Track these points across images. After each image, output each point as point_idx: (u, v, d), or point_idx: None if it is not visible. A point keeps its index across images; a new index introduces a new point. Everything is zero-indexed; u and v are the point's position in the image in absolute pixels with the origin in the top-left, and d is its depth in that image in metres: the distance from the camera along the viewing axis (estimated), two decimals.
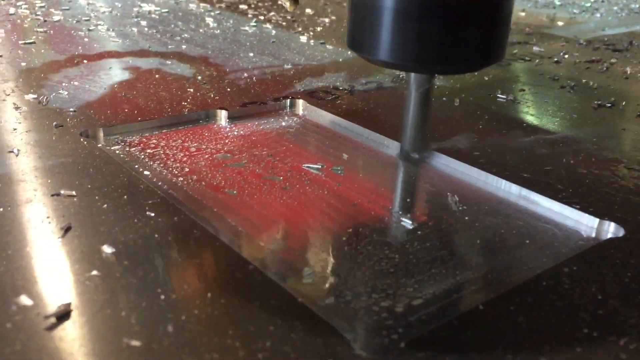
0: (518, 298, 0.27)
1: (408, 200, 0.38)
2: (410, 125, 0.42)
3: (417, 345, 0.24)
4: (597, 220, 0.35)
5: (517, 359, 0.24)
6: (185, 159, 0.41)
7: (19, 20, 0.81)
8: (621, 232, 0.34)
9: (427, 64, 0.37)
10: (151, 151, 0.42)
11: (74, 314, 0.24)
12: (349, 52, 0.73)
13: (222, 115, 0.49)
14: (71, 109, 0.47)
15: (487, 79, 0.64)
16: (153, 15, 0.90)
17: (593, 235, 0.34)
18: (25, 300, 0.25)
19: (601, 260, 0.31)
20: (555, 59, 0.74)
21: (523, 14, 1.11)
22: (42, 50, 0.66)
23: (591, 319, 0.26)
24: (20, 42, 0.69)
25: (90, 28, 0.79)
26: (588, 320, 0.26)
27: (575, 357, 0.24)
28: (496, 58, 0.38)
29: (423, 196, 0.38)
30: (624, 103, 0.57)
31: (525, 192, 0.38)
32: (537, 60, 0.73)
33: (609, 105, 0.56)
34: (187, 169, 0.39)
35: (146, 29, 0.81)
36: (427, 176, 0.41)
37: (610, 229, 0.34)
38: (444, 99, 0.56)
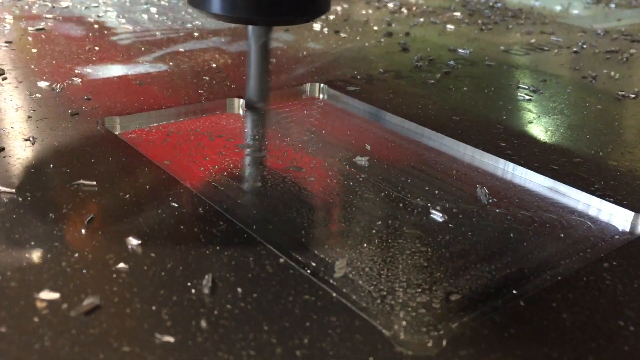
0: (559, 294, 0.26)
1: (436, 191, 0.37)
2: (252, 76, 0.45)
3: (460, 343, 0.23)
4: (633, 213, 0.34)
5: (564, 358, 0.23)
6: (205, 148, 0.40)
7: (27, 6, 0.80)
8: None
9: (256, 16, 0.41)
10: (170, 140, 0.41)
11: (103, 309, 0.23)
12: (366, 43, 0.72)
13: (240, 103, 0.48)
14: (85, 97, 0.46)
15: (505, 68, 0.63)
16: (163, 2, 0.89)
17: (628, 229, 0.33)
18: (51, 294, 0.24)
19: None
20: (574, 49, 0.73)
21: (537, 3, 1.10)
22: (52, 37, 0.65)
23: (637, 316, 0.25)
24: (29, 28, 0.68)
25: (100, 15, 0.78)
26: (634, 318, 0.25)
27: (624, 356, 0.23)
28: (326, 9, 0.43)
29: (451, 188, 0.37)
30: None
31: (556, 184, 0.37)
32: (556, 50, 0.72)
33: (633, 96, 0.55)
34: (207, 159, 0.38)
35: (156, 15, 0.80)
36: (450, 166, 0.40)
37: None
38: (465, 88, 0.55)
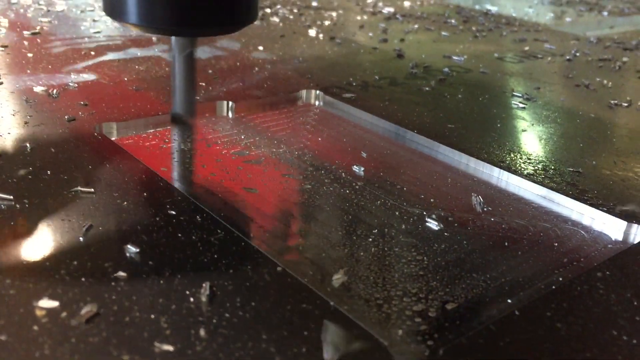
0: (553, 304, 0.27)
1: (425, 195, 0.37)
2: (177, 89, 0.43)
3: (456, 352, 0.23)
4: (625, 223, 0.34)
5: None
6: (201, 155, 0.40)
7: (22, 10, 0.80)
8: None
9: (176, 26, 0.38)
10: (166, 146, 0.41)
11: (102, 317, 0.23)
12: (361, 49, 0.73)
13: (233, 107, 0.48)
14: (82, 102, 0.46)
15: (499, 75, 0.64)
16: None
17: (621, 238, 0.34)
18: (50, 302, 0.24)
19: (634, 265, 0.30)
20: (567, 57, 0.74)
21: (531, 10, 1.10)
22: (48, 41, 0.65)
23: (630, 326, 0.26)
24: (24, 32, 0.68)
25: (95, 19, 0.78)
26: (627, 328, 0.25)
27: None
28: (252, 18, 0.41)
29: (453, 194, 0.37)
30: (639, 103, 0.56)
31: (549, 193, 0.37)
32: (550, 58, 0.73)
33: (626, 105, 0.56)
34: (204, 166, 0.38)
35: None
36: (441, 172, 0.40)
37: (639, 233, 0.34)
38: (460, 95, 0.55)
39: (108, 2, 0.39)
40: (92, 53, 0.61)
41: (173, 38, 0.42)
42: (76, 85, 0.50)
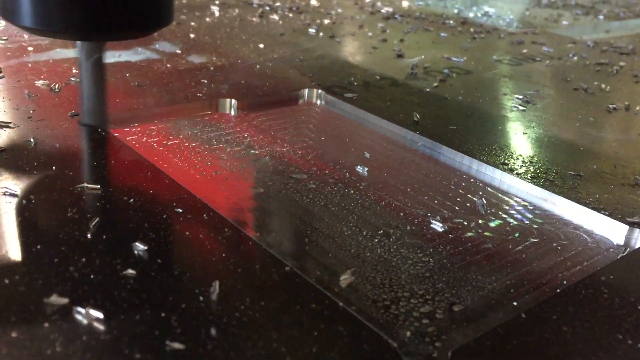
0: (559, 307, 0.27)
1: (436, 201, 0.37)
2: (86, 97, 0.39)
3: (464, 354, 0.24)
4: (627, 227, 0.34)
5: None
6: (206, 152, 0.40)
7: None
8: None
9: (75, 30, 0.34)
10: (170, 143, 0.41)
11: (113, 314, 0.23)
12: (361, 49, 0.73)
13: (235, 105, 0.48)
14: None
15: (499, 77, 0.64)
16: None
17: (622, 242, 0.34)
18: (60, 299, 0.24)
19: (636, 269, 0.31)
20: (565, 60, 0.74)
21: (527, 12, 1.11)
22: None
23: (634, 329, 0.26)
24: None
25: None
26: (631, 331, 0.26)
27: None
28: (165, 21, 0.37)
29: (452, 197, 0.38)
30: (638, 107, 0.57)
31: (552, 196, 0.38)
32: (548, 61, 0.73)
33: (624, 109, 0.56)
34: (209, 163, 0.39)
35: None
36: (443, 174, 0.40)
37: None
38: (460, 97, 0.55)
39: (1, 3, 0.35)
40: None
41: (79, 42, 0.38)
42: (78, 79, 0.50)
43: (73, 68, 0.53)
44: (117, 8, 0.34)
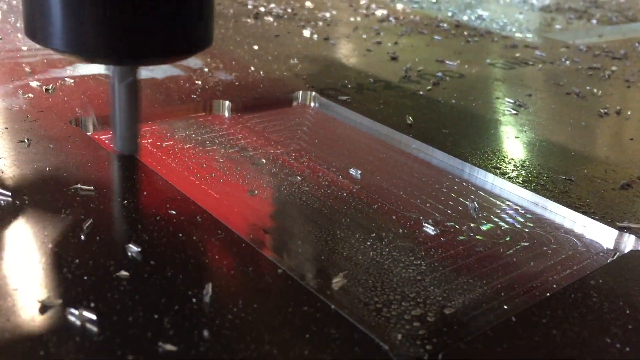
0: (549, 311, 0.27)
1: (428, 204, 0.37)
2: (118, 123, 0.36)
3: (455, 357, 0.24)
4: (617, 232, 0.35)
5: None
6: (200, 154, 0.40)
7: (14, 2, 0.79)
8: None
9: (112, 56, 0.32)
10: (163, 144, 0.41)
11: (106, 316, 0.24)
12: (355, 51, 0.73)
13: (229, 107, 0.48)
14: (78, 98, 0.46)
15: (492, 81, 0.64)
16: None
17: (612, 247, 0.34)
18: (54, 300, 0.24)
19: (625, 273, 0.31)
20: (558, 65, 0.75)
21: (521, 16, 1.12)
22: None
23: (622, 333, 0.26)
24: (18, 24, 0.67)
25: None
26: (620, 335, 0.26)
27: None
28: (203, 45, 0.35)
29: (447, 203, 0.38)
30: (629, 112, 0.57)
31: (543, 200, 0.38)
32: (541, 65, 0.74)
33: (615, 113, 0.57)
34: (204, 165, 0.39)
35: None
36: (435, 177, 0.41)
37: (630, 242, 0.34)
38: (454, 100, 0.56)
39: (28, 22, 0.32)
40: None
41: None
42: (72, 80, 0.50)
43: (68, 68, 0.53)
44: (155, 31, 0.32)
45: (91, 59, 0.34)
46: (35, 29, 0.31)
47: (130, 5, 0.30)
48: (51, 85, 0.48)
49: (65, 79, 0.50)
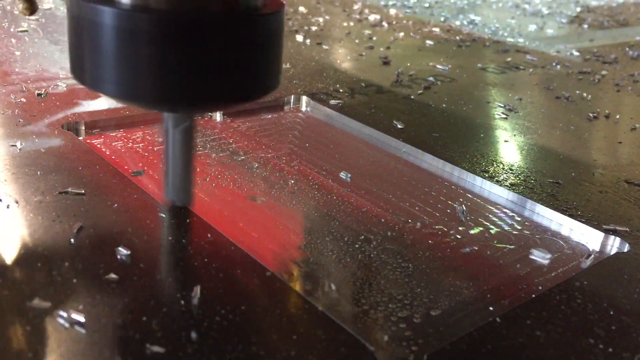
0: (533, 312, 0.28)
1: (417, 207, 0.38)
2: (171, 171, 0.32)
3: (440, 358, 0.24)
4: (602, 234, 0.35)
5: None
6: None
7: (8, 7, 0.79)
8: (626, 247, 0.34)
9: (165, 102, 0.28)
10: (154, 148, 0.41)
11: (95, 318, 0.24)
12: (348, 56, 0.73)
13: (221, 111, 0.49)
14: (71, 103, 0.46)
15: (483, 85, 0.65)
16: None
17: (598, 249, 0.35)
18: (43, 303, 0.24)
19: (610, 275, 0.31)
20: (548, 69, 0.75)
21: (513, 21, 1.12)
22: (36, 39, 0.64)
23: (605, 334, 0.27)
24: (12, 29, 0.68)
25: None
26: (603, 336, 0.26)
27: None
28: (270, 89, 0.31)
29: (430, 202, 0.38)
30: (617, 116, 0.58)
31: (530, 203, 0.38)
32: (531, 70, 0.74)
33: (605, 117, 0.57)
34: (197, 169, 0.39)
35: None
36: (424, 180, 0.41)
37: (616, 244, 0.35)
38: (444, 105, 0.56)
39: (77, 65, 0.29)
40: None
41: None
42: (65, 85, 0.50)
43: (60, 73, 0.53)
44: (218, 77, 0.28)
45: (144, 106, 0.32)
46: (84, 72, 0.28)
47: (190, 51, 0.26)
48: (43, 90, 0.48)
49: (58, 83, 0.50)
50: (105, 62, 0.27)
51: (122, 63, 0.27)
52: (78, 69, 0.29)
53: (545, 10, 1.29)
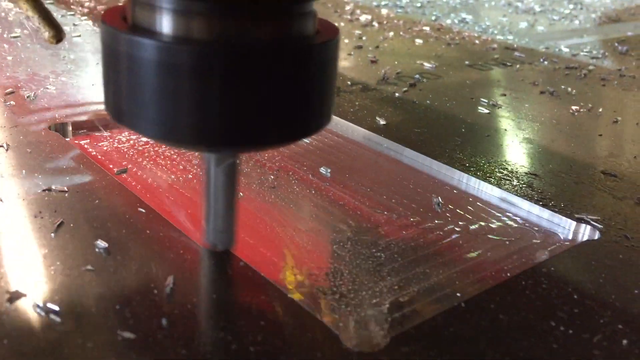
0: (499, 297, 0.28)
1: (394, 200, 0.38)
2: (213, 212, 0.29)
3: (402, 341, 0.25)
4: (574, 223, 0.36)
5: (497, 355, 0.25)
6: (175, 156, 0.42)
7: (3, 13, 0.81)
8: (596, 235, 0.35)
9: (207, 144, 0.25)
10: (140, 148, 0.42)
11: (69, 308, 0.25)
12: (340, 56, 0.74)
13: None
14: (59, 105, 0.47)
15: (469, 82, 0.66)
16: None
17: (570, 237, 0.36)
18: (20, 294, 0.25)
19: (578, 262, 0.32)
20: (536, 65, 0.76)
21: (504, 18, 1.13)
22: (28, 45, 0.66)
23: (567, 317, 0.27)
24: (4, 35, 0.69)
25: (76, 23, 0.79)
26: (565, 319, 0.27)
27: (552, 353, 0.25)
28: (320, 126, 0.27)
29: (407, 194, 0.39)
30: (600, 110, 0.59)
31: (505, 194, 0.39)
32: (518, 66, 0.75)
33: (587, 111, 0.58)
34: (181, 167, 0.40)
35: None
36: (404, 175, 0.42)
37: (587, 232, 0.36)
38: (428, 101, 0.57)
39: (112, 102, 0.27)
40: (72, 57, 0.62)
41: None
42: (54, 88, 0.51)
43: (50, 77, 0.54)
44: (264, 116, 0.25)
45: (185, 147, 0.30)
46: (121, 112, 0.26)
47: (232, 91, 0.24)
48: (33, 92, 0.49)
49: (47, 86, 0.51)
50: (145, 104, 0.24)
51: (161, 106, 0.24)
52: (115, 109, 0.26)
53: (537, 8, 1.30)
